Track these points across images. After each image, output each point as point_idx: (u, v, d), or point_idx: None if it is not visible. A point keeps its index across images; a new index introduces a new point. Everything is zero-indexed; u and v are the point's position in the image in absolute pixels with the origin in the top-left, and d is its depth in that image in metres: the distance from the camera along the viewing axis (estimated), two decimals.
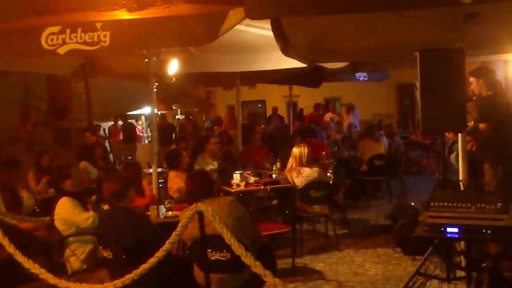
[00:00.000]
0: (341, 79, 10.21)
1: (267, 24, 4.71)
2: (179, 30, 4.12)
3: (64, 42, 4.28)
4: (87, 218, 4.51)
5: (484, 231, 3.17)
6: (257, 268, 3.11)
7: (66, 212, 4.51)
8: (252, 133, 8.76)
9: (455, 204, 3.43)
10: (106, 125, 14.79)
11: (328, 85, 14.58)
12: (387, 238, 6.46)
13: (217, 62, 7.39)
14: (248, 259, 3.15)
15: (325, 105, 18.01)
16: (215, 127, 13.34)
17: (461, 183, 4.75)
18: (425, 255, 4.47)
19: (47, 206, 5.53)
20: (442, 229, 3.39)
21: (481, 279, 3.59)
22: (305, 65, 7.09)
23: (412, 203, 6.97)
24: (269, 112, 18.66)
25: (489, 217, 3.17)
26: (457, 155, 5.61)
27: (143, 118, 16.58)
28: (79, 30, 4.27)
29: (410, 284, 4.45)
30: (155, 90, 6.01)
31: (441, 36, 4.66)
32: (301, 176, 6.07)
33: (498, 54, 6.54)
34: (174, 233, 3.40)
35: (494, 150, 5.04)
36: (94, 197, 4.79)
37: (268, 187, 6.14)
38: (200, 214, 3.36)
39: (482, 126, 4.97)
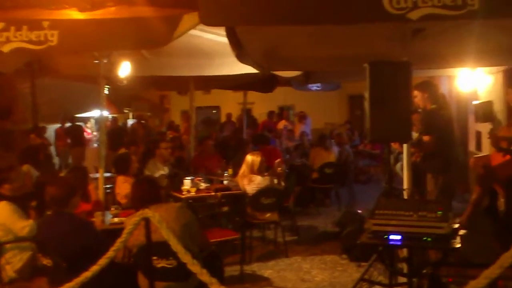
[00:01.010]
0: (295, 87, 10.32)
1: (222, 30, 4.72)
2: (132, 32, 4.05)
3: (8, 40, 4.11)
4: (24, 227, 4.25)
5: (425, 238, 3.27)
6: (204, 276, 3.07)
7: (4, 218, 4.30)
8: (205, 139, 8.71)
9: (398, 212, 3.53)
10: (53, 127, 14.33)
11: (282, 94, 14.74)
12: (335, 245, 6.56)
13: (170, 66, 7.31)
14: (194, 266, 3.11)
15: (279, 113, 18.18)
16: (168, 132, 13.20)
17: (404, 192, 4.91)
18: (369, 262, 4.58)
19: None
20: (386, 236, 3.47)
21: (421, 285, 3.70)
22: (250, 72, 7.16)
23: (359, 211, 7.14)
24: (223, 119, 18.66)
25: (430, 225, 3.27)
26: (402, 165, 5.80)
27: (92, 121, 16.16)
28: (25, 28, 4.11)
29: None
30: (106, 92, 5.87)
31: (389, 49, 4.80)
32: (252, 183, 6.08)
33: (443, 69, 6.81)
34: (118, 240, 3.32)
35: (436, 161, 5.23)
36: (34, 203, 4.62)
37: (219, 194, 6.11)
38: (147, 221, 3.30)
39: (425, 138, 5.15)
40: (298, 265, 5.95)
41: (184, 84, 9.01)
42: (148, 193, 3.72)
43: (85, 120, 16.00)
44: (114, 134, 12.70)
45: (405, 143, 4.63)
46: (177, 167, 8.02)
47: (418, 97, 5.31)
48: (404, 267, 4.46)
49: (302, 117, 13.22)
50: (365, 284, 4.57)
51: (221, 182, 6.76)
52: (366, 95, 4.38)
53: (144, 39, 4.10)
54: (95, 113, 15.53)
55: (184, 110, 23.38)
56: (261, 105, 17.49)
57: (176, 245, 3.19)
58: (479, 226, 4.70)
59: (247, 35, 4.58)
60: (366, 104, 4.38)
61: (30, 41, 4.10)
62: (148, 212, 3.27)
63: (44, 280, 3.79)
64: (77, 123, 14.13)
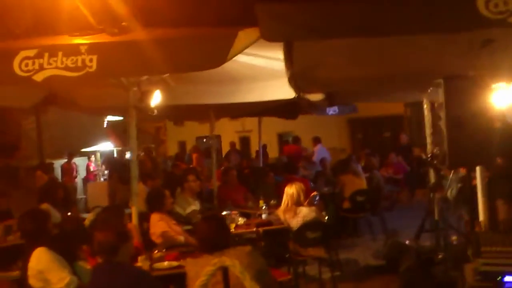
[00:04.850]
0: (315, 112, 9.86)
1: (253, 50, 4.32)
2: (180, 54, 3.59)
3: (41, 68, 3.64)
4: (61, 278, 3.66)
5: None
6: None
7: (42, 265, 3.73)
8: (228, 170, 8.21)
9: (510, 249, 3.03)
10: (58, 163, 13.81)
11: (279, 120, 14.17)
12: (384, 280, 6.05)
13: (193, 93, 6.85)
14: None
15: (285, 140, 17.66)
16: (177, 163, 12.73)
17: (480, 223, 4.41)
18: None
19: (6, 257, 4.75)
20: (500, 278, 2.97)
21: None
22: (282, 98, 6.74)
23: (407, 242, 6.63)
24: (224, 148, 18.13)
25: None
26: (458, 190, 5.35)
27: (98, 155, 15.62)
28: (60, 54, 3.65)
29: None
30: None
31: (457, 63, 4.37)
32: (297, 216, 5.57)
33: None
34: None
35: (509, 185, 4.75)
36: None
37: (261, 229, 5.59)
38: (225, 270, 2.77)
39: (498, 159, 4.68)
40: None
41: (203, 113, 8.52)
42: (218, 236, 3.21)
43: (89, 154, 15.48)
44: (123, 167, 12.21)
45: (490, 167, 4.16)
46: (203, 200, 7.49)
47: None
48: None
49: (317, 140, 12.56)
50: None
51: (260, 216, 6.22)
52: (442, 114, 3.94)
53: (195, 61, 3.63)
54: (100, 147, 15.08)
55: (180, 141, 22.90)
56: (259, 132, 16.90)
57: None
58: None
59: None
60: (443, 125, 3.94)
61: (66, 68, 3.63)
62: (226, 260, 2.74)
63: None
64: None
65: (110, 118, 14.17)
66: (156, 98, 5.40)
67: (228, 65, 5.74)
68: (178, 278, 4.24)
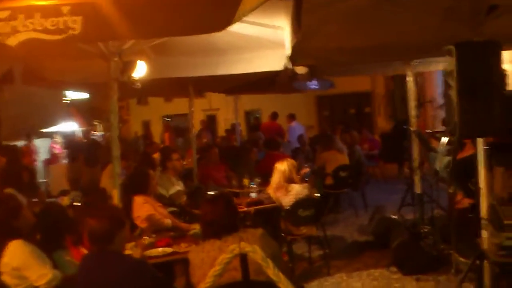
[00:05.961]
0: (296, 86, 9.52)
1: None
2: (179, 15, 3.20)
3: (15, 30, 3.19)
4: (42, 275, 3.30)
5: None
6: None
7: (18, 261, 3.30)
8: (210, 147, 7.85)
9: None
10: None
11: (247, 98, 13.52)
12: (374, 257, 5.94)
13: (174, 66, 6.39)
14: None
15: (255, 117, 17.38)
16: (152, 142, 12.29)
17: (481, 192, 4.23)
18: None
19: None
20: None
21: None
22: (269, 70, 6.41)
23: (394, 217, 6.53)
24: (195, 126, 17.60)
25: None
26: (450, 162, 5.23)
27: (59, 136, 14.82)
28: (38, 15, 3.20)
29: None
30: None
31: (462, 30, 4.16)
32: (289, 194, 5.30)
33: None
34: (203, 285, 2.48)
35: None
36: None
37: (253, 209, 5.30)
38: (243, 257, 2.47)
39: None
40: (347, 284, 5.21)
41: (180, 88, 8.08)
42: (226, 218, 2.88)
43: (52, 135, 14.70)
44: (90, 149, 11.62)
45: (501, 137, 3.97)
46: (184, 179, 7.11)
47: None
48: None
49: (292, 117, 12.24)
50: None
51: (248, 195, 5.93)
52: (453, 83, 3.71)
53: (196, 23, 3.25)
54: (62, 127, 14.35)
55: (144, 121, 22.27)
56: (226, 110, 16.36)
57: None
58: None
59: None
60: (453, 94, 3.71)
61: (45, 30, 3.19)
62: (246, 246, 2.44)
63: None
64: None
65: (73, 96, 13.48)
66: (140, 70, 4.94)
67: (214, 34, 5.39)
68: (166, 266, 3.93)
